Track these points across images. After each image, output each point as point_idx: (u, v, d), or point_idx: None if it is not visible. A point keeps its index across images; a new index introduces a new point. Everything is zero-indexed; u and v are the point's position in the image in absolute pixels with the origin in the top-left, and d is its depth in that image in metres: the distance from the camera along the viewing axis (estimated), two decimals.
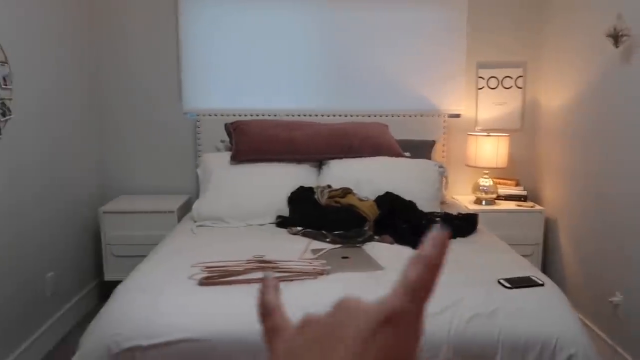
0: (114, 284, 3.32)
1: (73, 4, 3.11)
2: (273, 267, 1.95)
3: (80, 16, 3.21)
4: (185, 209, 3.36)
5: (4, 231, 2.39)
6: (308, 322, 0.33)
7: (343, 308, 0.32)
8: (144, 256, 2.94)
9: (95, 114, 3.45)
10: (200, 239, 2.46)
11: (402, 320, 0.31)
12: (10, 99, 2.44)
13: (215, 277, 1.88)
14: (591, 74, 2.90)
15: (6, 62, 2.42)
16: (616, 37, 2.45)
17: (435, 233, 0.34)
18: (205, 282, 1.86)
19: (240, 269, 1.94)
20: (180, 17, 3.45)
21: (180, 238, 2.47)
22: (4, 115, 2.41)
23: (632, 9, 2.45)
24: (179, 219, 3.16)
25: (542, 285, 1.93)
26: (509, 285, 1.91)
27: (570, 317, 1.79)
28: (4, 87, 2.42)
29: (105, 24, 3.45)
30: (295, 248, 2.29)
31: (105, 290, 3.45)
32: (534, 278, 1.97)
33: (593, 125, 2.90)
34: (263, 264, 1.98)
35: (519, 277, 1.97)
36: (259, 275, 1.91)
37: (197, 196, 3.47)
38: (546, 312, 1.79)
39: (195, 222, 2.73)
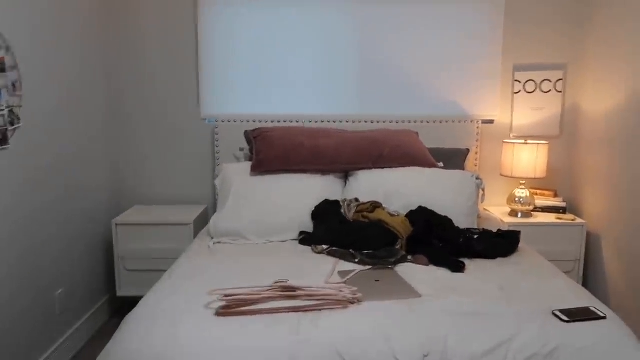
0: (126, 299, 3.20)
1: (88, 6, 2.95)
2: (298, 294, 1.75)
3: (95, 18, 3.05)
4: (202, 221, 3.18)
5: (12, 246, 2.23)
6: None
7: None
8: (158, 271, 2.79)
9: (109, 120, 3.29)
10: (217, 258, 2.26)
11: None
12: (20, 107, 2.28)
13: (234, 306, 1.69)
14: (639, 79, 2.65)
15: (16, 67, 2.26)
16: None
17: None
18: (222, 312, 1.66)
19: (261, 296, 1.74)
20: (199, 20, 3.28)
21: (196, 257, 2.28)
22: (12, 123, 2.25)
23: None
24: (195, 231, 2.99)
25: (604, 318, 1.70)
26: (566, 318, 1.68)
27: None
28: (14, 94, 2.26)
29: (121, 27, 3.29)
30: (321, 269, 2.09)
31: (117, 305, 3.30)
32: (593, 309, 1.74)
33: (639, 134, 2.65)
34: (286, 290, 1.78)
35: (576, 309, 1.74)
36: (281, 304, 1.71)
37: (214, 207, 3.31)
38: (613, 351, 1.56)
39: (212, 238, 2.54)
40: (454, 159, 3.09)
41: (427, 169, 2.80)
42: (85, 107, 2.94)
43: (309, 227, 2.56)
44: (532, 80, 3.36)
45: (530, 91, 3.38)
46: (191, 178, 3.44)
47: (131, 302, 2.26)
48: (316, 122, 3.31)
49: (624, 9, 2.84)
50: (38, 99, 2.44)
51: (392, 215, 2.48)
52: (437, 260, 2.19)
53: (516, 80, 3.37)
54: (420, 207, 2.54)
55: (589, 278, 3.22)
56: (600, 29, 3.11)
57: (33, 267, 2.40)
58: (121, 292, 3.08)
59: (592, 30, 3.20)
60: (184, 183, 3.44)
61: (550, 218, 3.18)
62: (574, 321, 1.67)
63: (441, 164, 2.95)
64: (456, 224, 2.50)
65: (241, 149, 3.22)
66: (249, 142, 3.02)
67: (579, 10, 3.30)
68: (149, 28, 3.31)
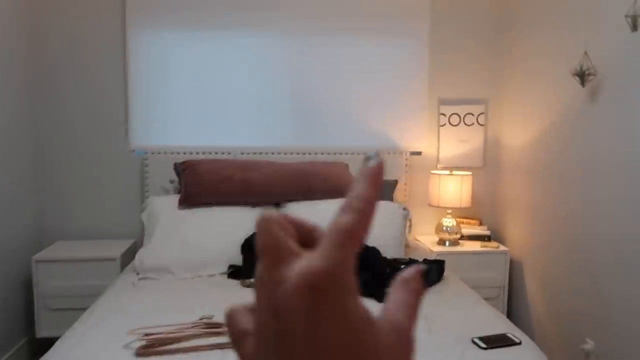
0: (47, 340, 3.02)
1: (8, 29, 2.85)
2: (223, 331, 1.73)
3: (15, 41, 2.95)
4: (129, 256, 3.07)
5: None
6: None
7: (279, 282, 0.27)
8: (82, 309, 2.66)
9: (30, 151, 3.16)
10: (142, 294, 2.20)
11: (331, 279, 0.27)
12: None
13: (155, 345, 1.64)
14: (556, 113, 2.83)
15: None
16: (582, 76, 2.39)
17: (364, 168, 0.31)
18: (142, 352, 1.61)
19: (184, 334, 1.70)
20: (128, 47, 3.23)
21: (119, 294, 2.20)
22: None
23: (598, 48, 2.40)
24: (123, 267, 2.89)
25: (519, 343, 1.78)
26: (484, 345, 1.74)
27: None
28: None
29: (44, 50, 3.19)
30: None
31: (36, 348, 3.11)
32: (510, 336, 1.81)
33: (557, 165, 2.82)
34: (211, 327, 1.75)
35: (494, 335, 1.80)
36: (205, 341, 1.68)
37: (142, 242, 3.21)
38: None
39: (137, 274, 2.47)
40: (382, 190, 3.17)
41: None
42: (7, 139, 2.82)
43: (238, 260, 2.53)
44: (457, 114, 3.52)
45: (455, 124, 3.53)
46: (119, 212, 3.33)
47: (51, 344, 2.15)
48: (248, 153, 3.31)
49: (539, 45, 3.04)
50: None
51: None
52: (364, 290, 2.21)
53: (442, 114, 3.52)
54: None
55: (513, 304, 3.35)
56: (519, 64, 3.31)
57: None
58: (41, 333, 2.91)
59: (511, 65, 3.40)
60: (111, 217, 3.33)
61: (475, 246, 3.30)
62: (491, 348, 1.73)
63: None
64: (384, 255, 2.55)
65: (171, 182, 3.16)
66: (178, 174, 2.98)
67: (499, 46, 3.50)
68: (75, 54, 3.22)
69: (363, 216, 0.29)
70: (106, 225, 3.32)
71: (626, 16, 2.10)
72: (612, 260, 2.37)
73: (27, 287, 3.02)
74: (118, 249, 3.03)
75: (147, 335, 1.67)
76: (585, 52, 2.42)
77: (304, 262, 0.27)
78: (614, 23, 2.27)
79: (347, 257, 0.28)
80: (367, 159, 0.31)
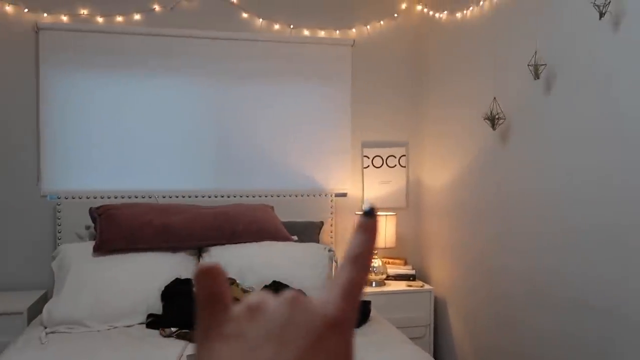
0: None
1: None
2: None
3: None
4: (38, 308, 2.85)
5: None
6: (258, 309, 0.32)
7: (295, 304, 0.32)
8: None
9: None
10: (49, 351, 2.03)
11: (345, 325, 0.32)
12: None
13: None
14: (471, 155, 2.97)
15: None
16: (493, 120, 2.53)
17: (366, 223, 0.35)
18: None
19: None
20: (41, 86, 3.09)
21: (23, 352, 2.02)
22: None
23: (506, 94, 2.56)
24: (30, 322, 2.67)
25: None
26: None
27: None
28: None
29: None
30: (168, 354, 1.96)
31: None
32: None
33: (475, 205, 2.94)
34: None
35: None
36: None
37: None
38: None
39: (45, 327, 2.28)
40: (308, 231, 3.16)
41: (280, 243, 2.82)
42: None
43: (158, 309, 2.41)
44: (379, 156, 3.61)
45: (377, 166, 3.62)
46: (27, 261, 3.10)
47: None
48: (170, 197, 3.21)
49: (453, 93, 3.21)
50: None
51: (246, 292, 2.43)
52: None
53: (365, 156, 3.60)
54: (274, 282, 2.53)
55: (439, 342, 3.39)
56: (435, 109, 3.46)
57: None
58: None
59: (428, 110, 3.56)
60: (18, 267, 3.09)
61: (401, 285, 3.33)
62: None
63: (295, 238, 2.99)
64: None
65: (87, 227, 3.00)
66: (93, 220, 2.83)
67: (416, 93, 3.66)
68: None
69: (369, 271, 0.35)
70: (12, 277, 3.08)
71: (529, 65, 2.27)
72: (523, 290, 2.47)
73: None
74: (26, 301, 2.81)
75: None
76: (495, 98, 2.57)
77: (329, 307, 0.32)
78: (519, 72, 2.44)
79: (353, 309, 0.33)
80: (366, 213, 0.34)
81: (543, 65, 2.24)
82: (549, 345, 2.29)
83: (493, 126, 2.55)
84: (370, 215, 0.35)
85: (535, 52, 2.26)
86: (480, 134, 2.82)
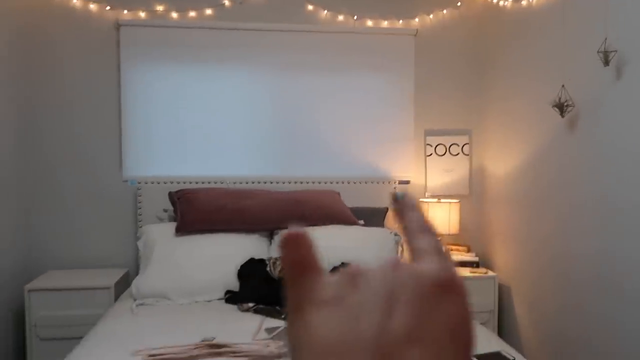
0: None
1: (6, 61, 2.92)
2: (225, 351, 1.76)
3: (15, 73, 3.02)
4: (123, 285, 3.09)
5: None
6: (358, 275, 0.30)
7: (399, 268, 0.29)
8: (75, 338, 2.65)
9: (23, 180, 3.19)
10: (141, 319, 2.22)
11: (458, 285, 0.29)
12: None
13: None
14: (536, 142, 2.97)
15: None
16: (561, 108, 2.53)
17: (401, 200, 0.35)
18: None
19: (187, 354, 1.73)
20: (122, 79, 3.32)
21: (117, 319, 2.23)
22: None
23: (575, 82, 2.55)
24: (116, 296, 2.90)
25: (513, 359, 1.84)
26: None
27: None
28: None
29: (41, 84, 3.26)
30: (247, 327, 2.10)
31: None
32: (504, 353, 1.88)
33: (540, 192, 2.94)
34: (213, 348, 1.79)
35: (490, 353, 1.87)
36: None
37: (136, 270, 3.22)
38: None
39: (135, 300, 2.49)
40: (374, 217, 3.25)
41: (348, 227, 2.92)
42: (3, 164, 2.85)
43: (234, 286, 2.57)
44: (442, 144, 3.65)
45: (440, 154, 3.66)
46: (112, 241, 3.35)
47: None
48: (240, 183, 3.38)
49: (520, 81, 3.20)
50: None
51: None
52: None
53: (428, 144, 3.64)
54: (342, 264, 2.63)
55: (503, 327, 3.41)
56: (499, 97, 3.46)
57: None
58: None
59: (492, 98, 3.56)
60: (103, 246, 3.35)
61: (465, 272, 3.37)
62: None
63: (362, 222, 3.09)
64: None
65: (165, 210, 3.21)
66: (173, 203, 3.02)
67: (479, 79, 3.66)
68: (70, 86, 3.29)
69: (434, 234, 0.33)
70: (98, 255, 3.33)
71: (598, 52, 2.26)
72: (591, 277, 2.46)
73: (19, 316, 3.00)
74: (112, 278, 3.04)
75: (151, 355, 1.70)
76: (563, 86, 2.57)
77: (434, 269, 0.29)
78: (588, 59, 2.43)
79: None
80: (397, 197, 0.34)
81: (613, 51, 2.22)
82: (620, 336, 2.28)
83: (562, 113, 2.55)
84: (402, 198, 0.34)
85: (605, 39, 2.24)
86: (547, 121, 2.81)
